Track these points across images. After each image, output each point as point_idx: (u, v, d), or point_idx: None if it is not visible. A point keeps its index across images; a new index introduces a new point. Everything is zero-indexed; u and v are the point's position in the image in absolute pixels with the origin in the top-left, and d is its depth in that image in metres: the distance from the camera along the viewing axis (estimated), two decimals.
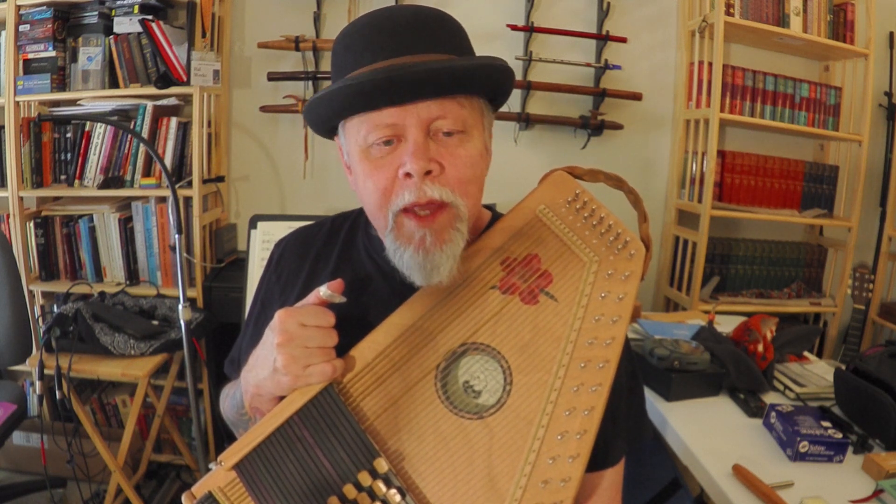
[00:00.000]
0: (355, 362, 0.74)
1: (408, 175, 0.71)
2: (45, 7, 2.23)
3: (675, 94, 2.58)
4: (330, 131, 0.82)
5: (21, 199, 2.30)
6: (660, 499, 1.91)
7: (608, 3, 2.44)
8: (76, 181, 2.32)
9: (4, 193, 2.29)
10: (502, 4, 2.45)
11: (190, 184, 2.27)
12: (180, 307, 1.88)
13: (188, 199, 2.29)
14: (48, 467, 2.10)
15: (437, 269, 0.72)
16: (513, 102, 2.48)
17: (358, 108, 0.73)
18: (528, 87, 2.42)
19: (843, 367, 1.50)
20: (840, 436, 1.27)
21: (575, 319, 0.75)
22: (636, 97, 2.47)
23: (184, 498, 0.71)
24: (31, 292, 2.35)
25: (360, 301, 0.83)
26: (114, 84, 2.30)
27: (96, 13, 2.27)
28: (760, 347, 1.61)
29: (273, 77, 2.41)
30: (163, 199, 2.31)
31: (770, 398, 1.56)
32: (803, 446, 1.26)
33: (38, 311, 2.40)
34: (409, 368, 0.74)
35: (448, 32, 0.76)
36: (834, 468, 1.26)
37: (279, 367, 0.69)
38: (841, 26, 2.46)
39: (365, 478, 0.68)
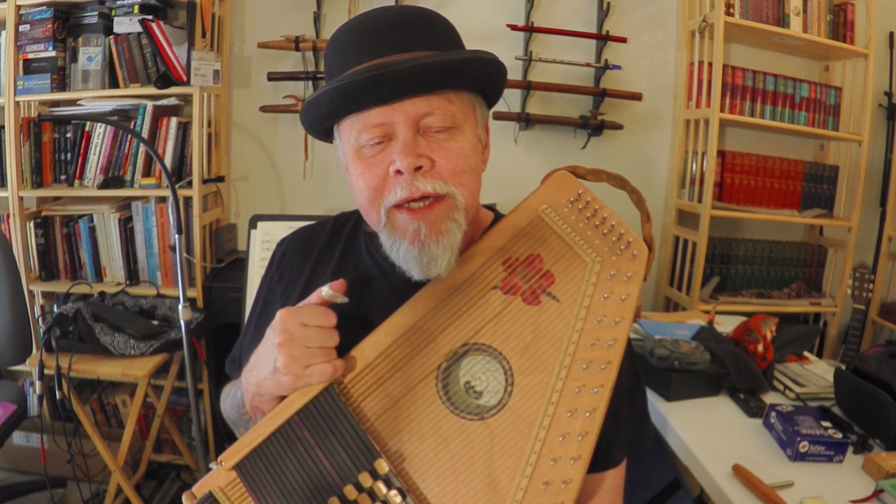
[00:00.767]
0: (356, 362, 0.73)
1: (399, 172, 0.72)
2: (45, 7, 2.23)
3: (675, 94, 2.58)
4: (326, 134, 0.82)
5: (21, 199, 2.30)
6: (660, 499, 1.91)
7: (608, 3, 2.44)
8: (76, 181, 2.32)
9: (4, 193, 2.29)
10: (502, 4, 2.45)
11: (190, 184, 2.27)
12: (180, 307, 1.88)
13: (188, 199, 2.29)
14: (48, 467, 2.10)
15: (434, 261, 0.73)
16: (513, 102, 2.47)
17: (346, 109, 0.74)
18: (528, 87, 2.42)
19: (843, 367, 1.50)
20: (840, 436, 1.27)
21: (577, 320, 0.74)
22: (636, 97, 2.47)
23: (184, 498, 0.71)
24: (31, 292, 2.35)
25: (362, 301, 0.83)
26: (114, 84, 2.30)
27: (96, 13, 2.27)
28: (760, 347, 1.61)
29: (273, 77, 2.41)
30: (163, 199, 2.30)
31: (770, 398, 1.56)
32: (803, 446, 1.26)
33: (38, 311, 2.40)
34: (410, 369, 0.74)
35: (434, 30, 0.76)
36: (834, 468, 1.26)
37: (280, 367, 0.69)
38: (841, 26, 2.46)
39: (365, 479, 0.68)
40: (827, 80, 2.61)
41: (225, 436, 2.39)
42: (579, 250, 0.78)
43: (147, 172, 2.30)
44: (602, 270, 0.77)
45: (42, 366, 1.89)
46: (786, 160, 2.55)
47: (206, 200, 2.37)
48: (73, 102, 2.30)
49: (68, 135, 2.33)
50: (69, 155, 2.34)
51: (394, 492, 0.68)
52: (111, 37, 2.26)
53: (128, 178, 2.29)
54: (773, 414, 1.37)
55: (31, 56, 2.26)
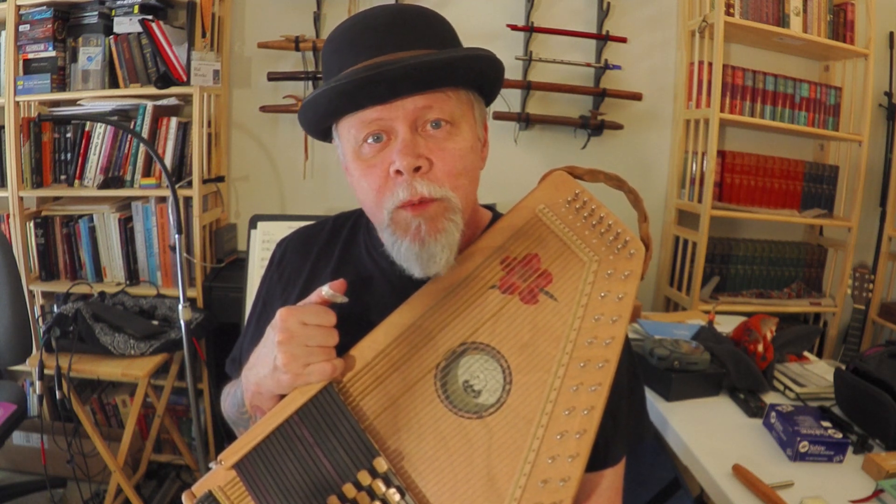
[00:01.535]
0: (355, 362, 0.74)
1: (398, 172, 0.72)
2: (45, 7, 2.23)
3: (675, 94, 2.58)
4: (325, 134, 0.83)
5: (21, 199, 2.30)
6: (660, 499, 1.92)
7: (608, 3, 2.44)
8: (76, 181, 2.32)
9: (4, 193, 2.29)
10: (502, 4, 2.45)
11: (190, 184, 2.27)
12: (180, 307, 1.88)
13: (188, 199, 2.29)
14: (48, 467, 2.10)
15: (433, 258, 0.73)
16: (513, 102, 2.48)
17: (344, 108, 0.74)
18: (528, 87, 2.42)
19: (843, 367, 1.50)
20: (840, 436, 1.27)
21: (574, 319, 0.75)
22: (636, 97, 2.47)
23: (184, 497, 0.71)
24: (31, 292, 2.35)
25: (361, 300, 0.83)
26: (114, 84, 2.30)
27: (96, 13, 2.27)
28: (760, 347, 1.61)
29: (273, 77, 2.41)
30: (163, 199, 2.31)
31: (770, 398, 1.56)
32: (803, 446, 1.25)
33: (38, 311, 2.40)
34: (408, 368, 0.74)
35: (431, 27, 0.76)
36: (834, 468, 1.25)
37: (279, 365, 0.69)
38: (841, 26, 2.46)
39: (364, 477, 0.68)
40: (827, 80, 2.61)
41: (225, 436, 2.39)
42: (577, 249, 0.78)
43: (147, 172, 2.30)
44: (599, 269, 0.77)
45: (42, 366, 1.89)
46: (786, 160, 2.55)
47: (206, 200, 2.38)
48: (73, 102, 2.30)
49: (68, 135, 2.33)
50: (69, 155, 2.34)
51: (392, 490, 0.68)
52: (111, 37, 2.26)
53: (128, 178, 2.29)
54: (773, 414, 1.36)
55: (31, 56, 2.27)
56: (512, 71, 2.43)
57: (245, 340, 0.96)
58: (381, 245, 0.86)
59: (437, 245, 0.73)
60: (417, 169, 0.72)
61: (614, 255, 0.77)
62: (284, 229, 1.04)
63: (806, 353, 1.84)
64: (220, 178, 2.47)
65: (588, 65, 2.46)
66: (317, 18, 2.41)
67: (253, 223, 2.06)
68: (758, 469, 1.20)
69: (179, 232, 1.88)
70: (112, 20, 2.27)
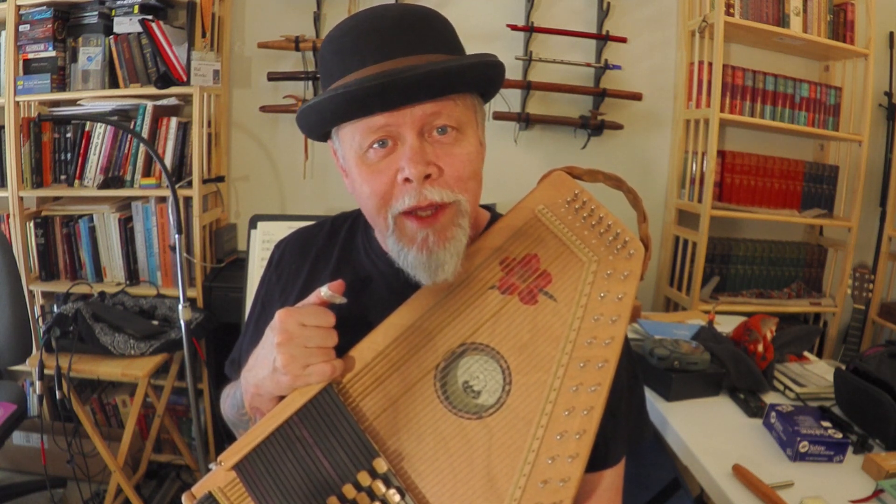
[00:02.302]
0: (354, 362, 0.74)
1: (407, 180, 0.71)
2: (45, 7, 2.23)
3: (675, 94, 2.58)
4: (324, 135, 0.81)
5: (21, 199, 2.30)
6: (660, 499, 1.92)
7: (608, 3, 2.44)
8: (76, 181, 2.32)
9: (4, 193, 2.29)
10: (502, 4, 2.45)
11: (190, 184, 2.27)
12: (180, 307, 1.88)
13: (188, 199, 2.29)
14: (48, 467, 2.10)
15: (441, 267, 0.72)
16: (513, 102, 2.48)
17: (350, 115, 0.72)
18: (528, 87, 2.42)
19: (843, 367, 1.50)
20: (840, 436, 1.27)
21: (574, 319, 0.75)
22: (636, 97, 2.47)
23: (184, 498, 0.71)
24: (31, 292, 2.35)
25: (360, 301, 0.83)
26: (114, 84, 2.30)
27: (96, 13, 2.27)
28: (760, 347, 1.61)
29: (273, 77, 2.41)
30: (163, 199, 2.31)
31: (770, 398, 1.56)
32: (803, 446, 1.26)
33: (38, 311, 2.40)
34: (408, 368, 0.74)
35: (436, 31, 0.75)
36: (834, 468, 1.26)
37: (279, 367, 0.69)
38: (841, 26, 2.46)
39: (364, 478, 0.68)
40: (827, 80, 2.61)
41: (225, 436, 2.39)
42: (576, 250, 0.78)
43: (147, 172, 2.30)
44: (599, 270, 0.77)
45: (42, 366, 1.89)
46: (786, 160, 2.55)
47: (206, 200, 2.38)
48: (73, 102, 2.30)
49: (68, 135, 2.33)
50: (69, 155, 2.34)
51: (392, 490, 0.68)
52: (111, 37, 2.26)
53: (128, 178, 2.29)
54: (773, 414, 1.36)
55: (31, 56, 2.27)
56: (512, 71, 2.42)
57: (244, 342, 0.96)
58: (380, 246, 0.86)
59: (445, 253, 0.72)
60: (427, 177, 0.71)
61: (614, 255, 0.77)
62: (284, 229, 1.04)
63: (806, 353, 1.84)
64: (220, 178, 2.47)
65: (588, 65, 2.46)
66: (317, 18, 2.41)
67: (253, 223, 2.06)
68: (758, 469, 1.20)
69: (179, 232, 1.88)
70: (112, 20, 2.27)
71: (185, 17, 2.26)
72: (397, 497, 0.68)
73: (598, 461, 0.81)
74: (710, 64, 2.34)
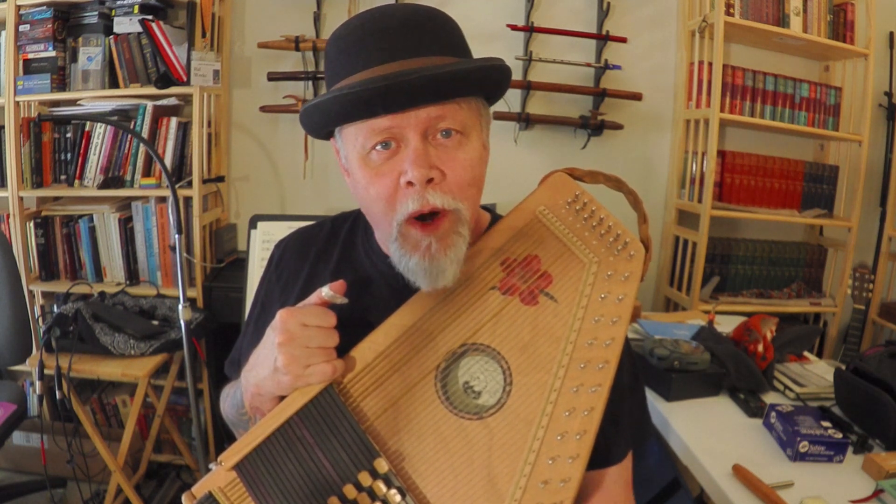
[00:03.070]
0: (355, 363, 0.74)
1: (410, 183, 0.70)
2: (45, 7, 2.23)
3: (675, 94, 2.58)
4: (327, 134, 0.81)
5: (21, 199, 2.30)
6: (660, 499, 1.91)
7: (608, 3, 2.44)
8: (76, 181, 2.32)
9: (4, 193, 2.29)
10: (502, 4, 2.45)
11: (190, 184, 2.27)
12: (180, 307, 1.88)
13: (188, 199, 2.29)
14: (48, 467, 2.10)
15: (442, 273, 0.72)
16: (513, 102, 2.47)
17: (354, 116, 0.72)
18: (528, 87, 2.42)
19: (843, 367, 1.50)
20: (840, 436, 1.27)
21: (575, 320, 0.75)
22: (636, 97, 2.47)
23: (184, 498, 0.71)
24: (31, 292, 2.35)
25: (361, 302, 0.83)
26: (114, 84, 2.30)
27: (96, 13, 2.27)
28: (760, 347, 1.61)
29: (273, 77, 2.41)
30: (163, 199, 2.31)
31: (770, 398, 1.56)
32: (803, 446, 1.25)
33: (38, 311, 2.40)
34: (409, 369, 0.74)
35: (442, 32, 0.74)
36: (834, 468, 1.25)
37: (280, 367, 0.69)
38: (841, 26, 2.46)
39: (365, 478, 0.68)
40: (827, 80, 2.61)
41: (225, 436, 2.39)
42: (577, 251, 0.78)
43: (147, 172, 2.30)
44: (599, 271, 0.77)
45: (42, 366, 1.89)
46: (786, 160, 2.55)
47: (206, 200, 2.38)
48: (73, 102, 2.30)
49: (68, 135, 2.33)
50: (69, 155, 2.34)
51: (393, 490, 0.68)
52: (111, 37, 2.26)
53: (128, 178, 2.29)
54: (773, 414, 1.36)
55: (31, 56, 2.27)
56: (512, 71, 2.42)
57: (244, 342, 0.96)
58: (380, 247, 0.86)
59: (446, 260, 0.72)
60: (430, 180, 0.71)
61: (614, 256, 0.77)
62: (284, 229, 1.04)
63: (806, 353, 1.84)
64: (220, 178, 2.47)
65: (588, 65, 2.46)
66: (317, 18, 2.41)
67: (253, 223, 2.06)
68: (758, 469, 1.20)
69: (179, 232, 1.88)
70: (112, 20, 2.27)
71: (185, 17, 2.26)
72: (398, 497, 0.68)
73: (601, 459, 0.81)
74: (710, 64, 2.34)
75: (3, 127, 2.30)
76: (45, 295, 2.44)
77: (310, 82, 2.45)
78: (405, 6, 0.74)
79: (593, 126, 2.47)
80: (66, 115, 2.28)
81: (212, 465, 0.72)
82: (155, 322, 2.17)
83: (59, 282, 2.39)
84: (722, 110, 2.34)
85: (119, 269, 2.36)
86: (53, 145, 2.34)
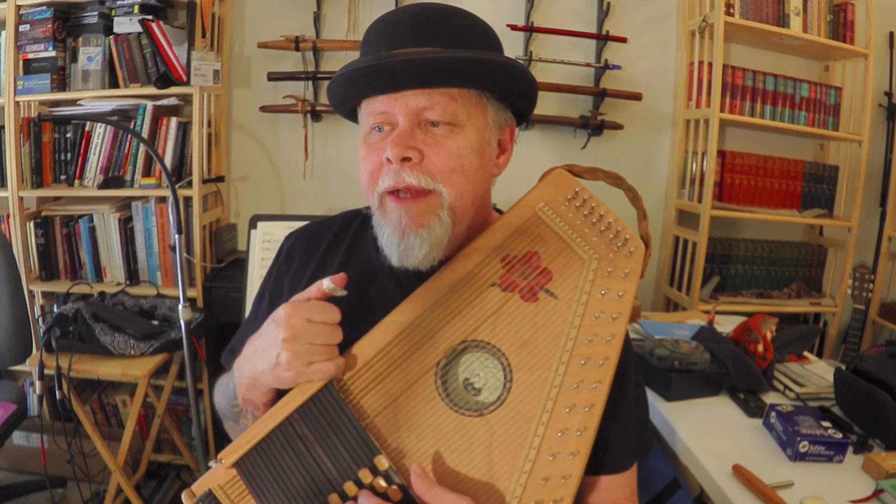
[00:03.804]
0: (356, 360, 0.74)
1: (389, 160, 0.74)
2: (45, 7, 2.23)
3: (675, 94, 2.58)
4: (352, 116, 0.86)
5: (21, 199, 2.30)
6: (660, 499, 1.91)
7: (608, 3, 2.44)
8: (76, 181, 2.32)
9: (4, 193, 2.29)
10: (502, 4, 2.45)
11: (190, 184, 2.27)
12: (180, 307, 1.88)
13: (188, 199, 2.29)
14: (48, 467, 2.09)
15: (410, 251, 0.75)
16: None
17: (351, 94, 0.78)
18: None
19: (843, 367, 1.50)
20: (840, 436, 1.27)
21: (575, 317, 0.75)
22: (636, 97, 2.47)
23: (184, 496, 0.71)
24: (31, 292, 2.35)
25: (367, 295, 0.84)
26: (114, 84, 2.30)
27: (96, 13, 2.27)
28: (760, 347, 1.61)
29: (273, 77, 2.41)
30: (163, 199, 2.30)
31: (770, 398, 1.56)
32: (803, 446, 1.25)
33: (38, 311, 2.40)
34: (409, 366, 0.74)
35: (454, 27, 0.76)
36: (834, 468, 1.25)
37: (282, 363, 0.69)
38: (841, 26, 2.46)
39: (365, 475, 0.68)
40: (827, 80, 2.61)
41: (225, 435, 2.39)
42: (576, 247, 0.79)
43: (147, 172, 2.30)
44: (599, 267, 0.77)
45: (42, 366, 1.89)
46: (786, 160, 2.55)
47: (206, 200, 2.38)
48: (73, 102, 2.30)
49: (68, 135, 2.33)
50: (69, 155, 2.34)
51: (394, 487, 0.68)
52: (111, 37, 2.26)
53: (128, 178, 2.29)
54: (773, 414, 1.36)
55: (31, 56, 2.27)
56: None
57: (246, 332, 0.95)
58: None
59: (416, 239, 0.75)
60: (407, 160, 0.73)
61: (614, 252, 0.78)
62: (284, 229, 1.04)
63: (806, 353, 1.84)
64: (220, 178, 2.47)
65: (588, 65, 2.46)
66: (317, 18, 2.41)
67: (253, 223, 2.06)
68: (758, 469, 1.20)
69: (179, 232, 1.88)
70: (112, 20, 2.27)
71: (185, 17, 2.26)
72: (399, 495, 0.67)
73: (610, 466, 0.81)
74: (710, 64, 2.34)
75: (3, 127, 2.30)
76: (45, 295, 2.44)
77: (310, 82, 2.45)
78: (425, 4, 0.78)
79: (593, 126, 2.47)
80: (66, 115, 2.28)
81: (212, 463, 0.72)
82: (155, 322, 2.16)
83: (59, 282, 2.39)
84: (722, 110, 2.34)
85: (119, 269, 2.36)
86: (53, 145, 2.34)
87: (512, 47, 2.44)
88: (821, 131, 2.51)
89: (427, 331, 0.75)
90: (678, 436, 1.39)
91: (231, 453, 0.70)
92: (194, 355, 1.94)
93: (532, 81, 0.81)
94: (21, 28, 2.24)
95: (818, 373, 1.65)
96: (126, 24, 2.24)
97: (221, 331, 2.26)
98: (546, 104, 2.52)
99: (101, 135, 2.29)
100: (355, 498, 0.67)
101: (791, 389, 1.58)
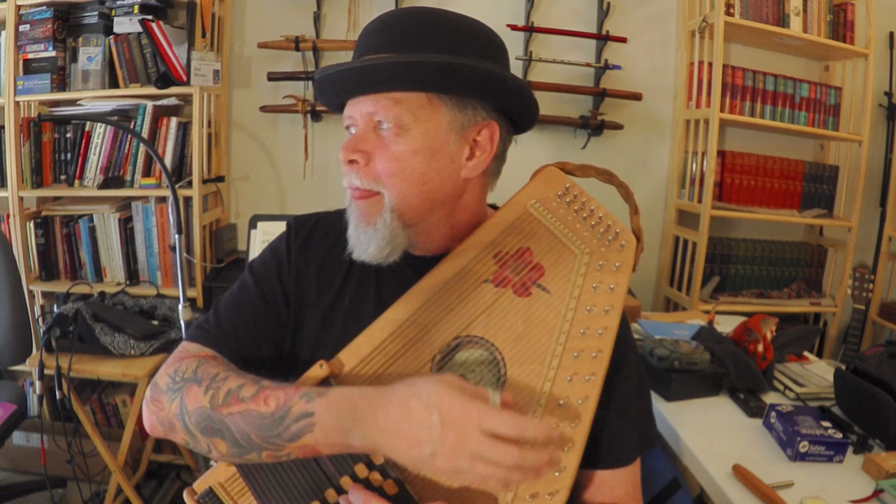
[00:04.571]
0: (354, 357, 0.74)
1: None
2: (45, 7, 2.23)
3: (675, 94, 2.58)
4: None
5: (21, 199, 2.30)
6: (660, 499, 1.91)
7: (608, 3, 2.44)
8: (76, 181, 2.32)
9: (4, 193, 2.29)
10: (502, 4, 2.45)
11: (190, 184, 2.27)
12: (180, 307, 1.88)
13: (188, 199, 2.29)
14: (48, 467, 2.09)
15: (361, 245, 0.79)
16: None
17: (323, 101, 0.85)
18: (528, 87, 2.42)
19: (843, 367, 1.50)
20: (840, 436, 1.26)
21: (567, 310, 0.75)
22: (636, 97, 2.47)
23: (185, 495, 0.72)
24: (31, 292, 2.35)
25: (370, 292, 0.84)
26: (114, 84, 2.30)
27: (96, 13, 2.27)
28: (760, 347, 1.60)
29: (273, 77, 2.41)
30: (163, 199, 2.31)
31: (770, 398, 1.55)
32: (803, 446, 1.25)
33: (38, 311, 2.40)
34: (404, 362, 0.74)
35: (411, 31, 0.77)
36: (834, 468, 1.25)
37: (441, 468, 0.61)
38: (841, 26, 2.46)
39: (361, 469, 0.68)
40: (827, 80, 2.61)
41: None
42: (568, 242, 0.79)
43: (147, 172, 2.30)
44: (591, 261, 0.78)
45: (42, 366, 1.89)
46: (786, 160, 2.55)
47: (206, 200, 2.38)
48: (73, 102, 2.30)
49: (68, 135, 2.33)
50: (69, 155, 2.34)
51: (389, 481, 0.68)
52: (111, 37, 2.27)
53: (128, 178, 2.29)
54: (773, 414, 1.36)
55: (31, 56, 2.27)
56: (512, 71, 2.42)
57: (229, 308, 0.86)
58: None
59: (365, 235, 0.78)
60: (354, 163, 0.78)
61: (605, 246, 0.78)
62: (284, 230, 1.03)
63: (806, 353, 1.83)
64: (220, 178, 2.47)
65: (588, 65, 2.46)
66: (317, 18, 2.41)
67: (253, 223, 2.06)
68: (758, 469, 1.20)
69: (179, 232, 1.88)
70: (112, 20, 2.27)
71: (185, 17, 2.26)
72: (395, 488, 0.68)
73: (610, 459, 0.81)
74: (710, 64, 2.34)
75: (3, 127, 2.30)
76: (45, 295, 2.44)
77: (310, 82, 2.45)
78: (410, 9, 0.79)
79: (593, 126, 2.47)
80: (66, 115, 2.28)
81: (212, 462, 0.72)
82: (155, 322, 2.16)
83: (59, 282, 2.39)
84: (722, 110, 2.34)
85: (119, 269, 2.36)
86: (53, 145, 2.34)
87: (512, 47, 2.41)
88: (821, 131, 2.51)
89: (422, 327, 0.76)
90: (678, 436, 1.39)
91: None
92: None
93: (499, 77, 0.78)
94: (21, 28, 2.25)
95: (818, 373, 1.65)
96: (126, 24, 2.25)
97: None
98: (546, 104, 2.52)
99: (101, 135, 2.29)
100: None
101: (791, 389, 1.58)
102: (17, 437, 2.39)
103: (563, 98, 2.50)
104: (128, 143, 2.29)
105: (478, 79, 0.77)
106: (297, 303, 0.85)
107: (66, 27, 2.30)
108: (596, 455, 0.81)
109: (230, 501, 0.71)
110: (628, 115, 2.54)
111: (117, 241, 2.34)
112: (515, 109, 0.83)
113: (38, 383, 1.89)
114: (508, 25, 2.38)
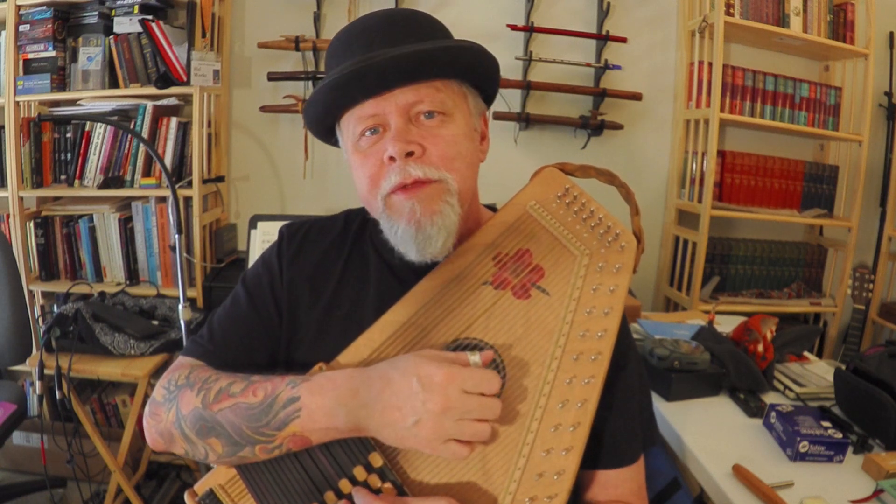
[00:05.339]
0: (354, 360, 0.73)
1: (392, 159, 0.73)
2: (45, 7, 2.23)
3: (675, 94, 2.58)
4: (329, 134, 0.84)
5: (21, 199, 2.30)
6: (660, 499, 1.91)
7: (608, 3, 2.44)
8: (76, 181, 2.32)
9: (4, 193, 2.29)
10: (502, 4, 2.45)
11: (190, 184, 2.27)
12: (180, 307, 1.88)
13: (188, 199, 2.29)
14: (48, 467, 2.09)
15: (429, 240, 0.74)
16: (512, 102, 2.47)
17: (339, 102, 0.77)
18: (528, 87, 2.42)
19: (843, 367, 1.50)
20: (840, 436, 1.26)
21: (567, 312, 0.75)
22: (636, 97, 2.47)
23: (186, 496, 0.72)
24: (31, 292, 2.35)
25: (369, 294, 0.84)
26: (114, 84, 2.30)
27: (96, 13, 2.27)
28: (760, 347, 1.60)
29: (273, 77, 2.41)
30: (163, 199, 2.31)
31: (770, 398, 1.55)
32: (803, 446, 1.25)
33: (38, 311, 2.40)
34: None
35: (418, 24, 0.78)
36: (834, 468, 1.25)
37: (421, 436, 0.63)
38: (841, 26, 2.46)
39: (360, 472, 0.68)
40: (827, 80, 2.61)
41: None
42: (568, 244, 0.79)
43: (147, 172, 2.30)
44: (591, 263, 0.77)
45: (42, 366, 1.89)
46: (786, 160, 2.54)
47: (206, 200, 2.38)
48: (73, 102, 2.30)
49: (68, 135, 2.34)
50: (69, 155, 2.34)
51: (388, 484, 0.68)
52: (111, 37, 2.27)
53: (128, 178, 2.30)
54: (773, 414, 1.36)
55: (31, 56, 2.27)
56: (512, 71, 2.43)
57: (223, 321, 0.86)
58: (387, 239, 0.86)
59: (433, 227, 0.74)
60: (410, 154, 0.73)
61: (605, 248, 0.78)
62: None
63: (806, 353, 1.83)
64: (220, 178, 2.47)
65: (588, 65, 2.46)
66: (317, 18, 2.41)
67: (253, 223, 2.06)
68: (758, 469, 1.20)
69: (179, 232, 1.88)
70: (112, 20, 2.27)
71: (185, 17, 2.26)
72: (394, 492, 0.68)
73: (613, 459, 0.81)
74: (710, 64, 2.34)
75: (3, 127, 2.30)
76: (45, 295, 2.44)
77: (310, 82, 2.45)
78: (388, 10, 0.79)
79: (593, 126, 2.47)
80: (66, 115, 2.28)
81: (212, 465, 0.72)
82: (155, 322, 2.17)
83: (59, 282, 2.39)
84: (722, 110, 2.34)
85: (119, 269, 2.36)
86: (53, 145, 2.34)
87: (512, 47, 2.44)
88: (821, 131, 2.51)
89: (421, 329, 0.75)
90: (678, 436, 1.39)
91: None
92: None
93: (496, 63, 0.81)
94: (21, 28, 2.25)
95: (818, 373, 1.65)
96: (126, 24, 2.25)
97: None
98: (546, 104, 2.52)
99: (101, 135, 2.29)
100: (350, 495, 0.67)
101: (791, 389, 1.58)
102: (17, 437, 2.39)
103: (563, 98, 2.50)
104: (128, 143, 2.29)
105: (490, 64, 0.80)
106: (290, 312, 0.85)
107: (66, 27, 2.30)
108: (599, 455, 0.81)
109: (230, 503, 0.71)
110: (628, 115, 2.54)
111: (117, 241, 2.34)
112: (494, 92, 0.86)
113: (38, 383, 1.89)
114: (508, 25, 2.38)
